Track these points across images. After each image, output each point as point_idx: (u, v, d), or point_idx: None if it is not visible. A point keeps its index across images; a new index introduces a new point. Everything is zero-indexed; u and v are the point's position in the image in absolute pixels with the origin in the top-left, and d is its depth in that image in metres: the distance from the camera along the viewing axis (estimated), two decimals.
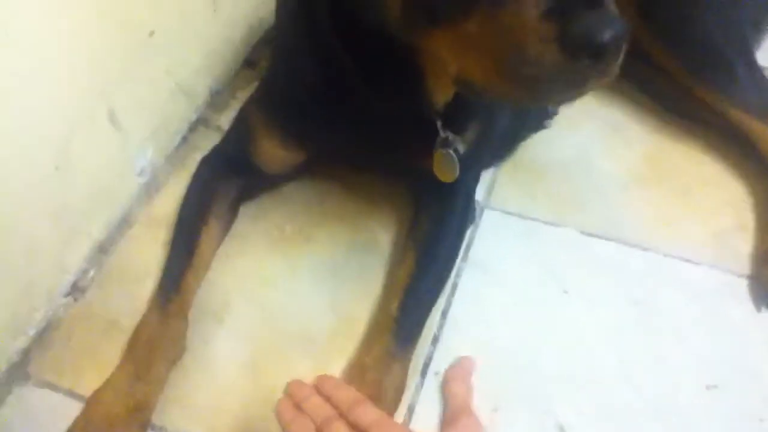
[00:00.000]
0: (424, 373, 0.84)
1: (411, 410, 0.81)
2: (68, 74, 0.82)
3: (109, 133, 0.92)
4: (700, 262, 0.96)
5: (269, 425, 0.70)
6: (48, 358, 0.85)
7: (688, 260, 0.96)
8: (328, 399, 0.65)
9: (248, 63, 1.21)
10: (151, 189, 1.02)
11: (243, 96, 1.11)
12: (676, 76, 1.06)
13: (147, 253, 0.93)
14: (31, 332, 0.85)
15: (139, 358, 0.79)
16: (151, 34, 0.95)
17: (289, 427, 0.63)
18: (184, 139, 1.09)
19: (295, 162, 0.94)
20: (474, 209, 0.97)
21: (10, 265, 0.80)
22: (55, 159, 0.83)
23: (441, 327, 0.88)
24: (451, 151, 0.81)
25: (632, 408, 0.82)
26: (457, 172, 0.82)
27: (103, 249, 0.95)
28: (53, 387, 0.82)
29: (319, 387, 0.66)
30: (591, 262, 0.96)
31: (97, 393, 0.78)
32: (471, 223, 0.97)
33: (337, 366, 0.84)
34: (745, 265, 0.95)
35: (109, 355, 0.82)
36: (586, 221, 1.00)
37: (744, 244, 0.98)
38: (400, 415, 0.80)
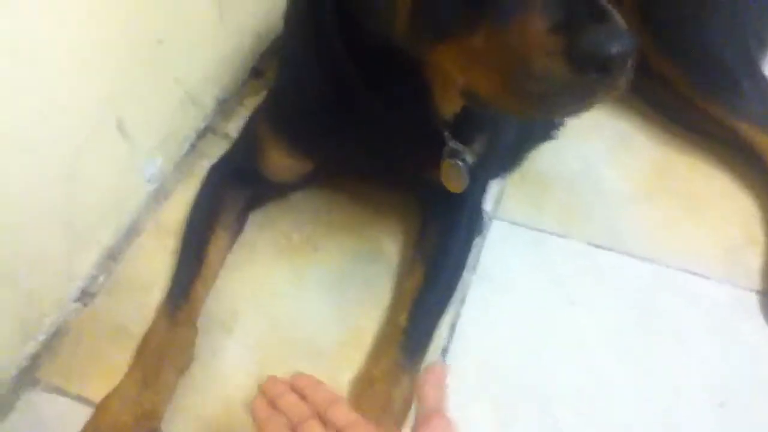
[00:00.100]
0: None
1: None
2: (77, 83, 0.82)
3: (118, 141, 0.93)
4: (709, 276, 0.96)
5: None
6: (57, 364, 0.85)
7: (696, 274, 0.96)
8: (303, 398, 0.65)
9: (256, 72, 1.22)
10: (159, 196, 1.03)
11: (250, 104, 1.12)
12: (681, 89, 1.06)
13: (155, 260, 0.94)
14: (41, 338, 0.86)
15: (148, 366, 0.79)
16: (160, 42, 0.96)
17: (264, 425, 0.63)
18: (193, 146, 1.10)
19: (302, 171, 0.95)
20: (481, 220, 0.97)
21: (20, 271, 0.80)
22: (65, 167, 0.83)
23: (450, 338, 0.88)
24: (459, 162, 0.81)
25: (639, 423, 0.82)
26: (466, 183, 0.82)
27: (111, 256, 0.95)
28: (62, 392, 0.83)
29: (294, 385, 0.66)
30: (598, 274, 0.96)
31: (106, 400, 0.78)
32: (478, 234, 0.97)
33: (344, 376, 0.84)
34: (754, 280, 0.95)
35: (118, 361, 0.83)
36: (593, 233, 1.00)
37: (754, 258, 0.98)
38: (407, 427, 0.80)
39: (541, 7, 0.55)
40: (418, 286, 0.87)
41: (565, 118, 1.07)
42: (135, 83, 0.93)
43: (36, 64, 0.75)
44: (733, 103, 1.03)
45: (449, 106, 0.76)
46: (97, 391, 0.79)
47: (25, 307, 0.82)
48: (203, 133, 1.12)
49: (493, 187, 1.04)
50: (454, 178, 0.82)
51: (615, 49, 0.54)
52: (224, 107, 1.16)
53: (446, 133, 0.79)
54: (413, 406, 0.77)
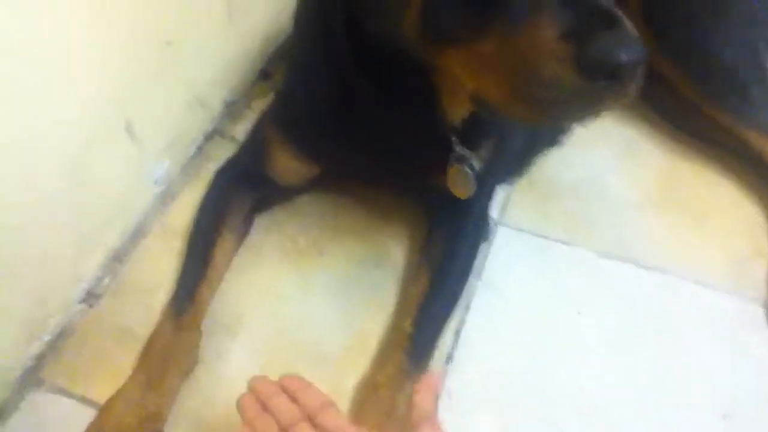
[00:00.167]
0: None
1: None
2: (85, 84, 0.82)
3: (126, 143, 0.93)
4: (715, 287, 0.95)
5: None
6: (61, 365, 0.85)
7: (702, 284, 0.95)
8: (293, 400, 0.64)
9: (263, 74, 1.22)
10: (166, 198, 1.03)
11: (258, 107, 1.12)
12: (688, 96, 1.06)
13: (161, 262, 0.94)
14: (46, 338, 0.86)
15: (152, 368, 0.79)
16: (169, 44, 0.96)
17: (252, 423, 0.63)
18: (200, 149, 1.10)
19: (309, 175, 0.95)
20: (488, 226, 0.97)
21: (25, 272, 0.80)
22: (72, 168, 0.83)
23: (454, 345, 0.88)
24: (466, 168, 0.81)
25: None
26: (473, 189, 0.82)
27: (117, 257, 0.95)
28: (66, 393, 0.83)
29: (285, 386, 0.66)
30: (603, 283, 0.96)
31: (109, 402, 0.78)
32: (485, 240, 0.97)
33: (349, 381, 0.84)
34: (761, 291, 0.95)
35: (122, 362, 0.83)
36: (599, 241, 1.00)
37: (761, 270, 0.97)
38: None
39: (551, 13, 0.55)
40: (424, 291, 0.86)
41: (574, 125, 1.06)
42: (143, 85, 0.93)
43: (43, 64, 0.75)
44: (741, 110, 1.03)
45: (457, 111, 0.76)
46: (101, 392, 0.79)
47: (31, 307, 0.83)
48: (211, 136, 1.12)
49: (500, 193, 1.04)
50: (460, 183, 0.82)
51: (625, 56, 0.54)
52: (232, 110, 1.16)
53: (453, 139, 0.79)
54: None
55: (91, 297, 0.91)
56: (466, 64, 0.62)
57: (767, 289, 0.95)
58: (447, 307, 0.88)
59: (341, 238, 0.99)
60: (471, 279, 0.92)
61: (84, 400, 0.82)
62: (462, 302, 0.91)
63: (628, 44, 0.54)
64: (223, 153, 1.04)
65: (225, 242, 0.91)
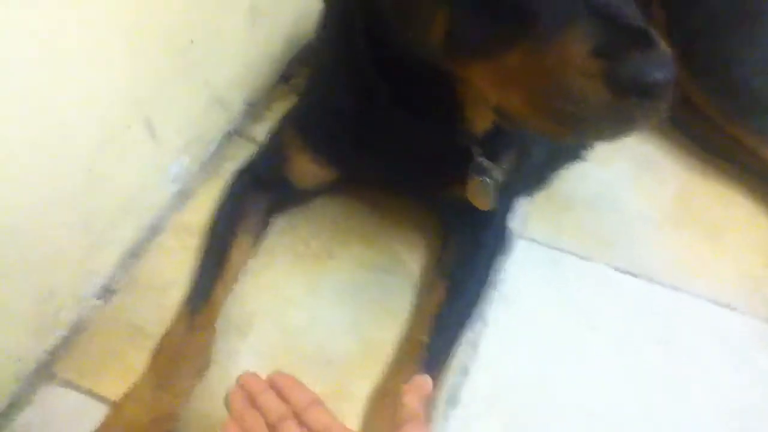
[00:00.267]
0: (452, 403, 0.84)
1: None
2: (107, 82, 0.83)
3: (146, 140, 0.93)
4: (731, 306, 0.95)
5: None
6: (73, 360, 0.85)
7: (717, 303, 0.95)
8: (282, 397, 0.64)
9: (284, 77, 1.22)
10: (183, 196, 1.03)
11: (278, 109, 1.13)
12: (712, 115, 1.05)
13: (176, 260, 0.94)
14: (59, 333, 0.86)
15: (165, 367, 0.79)
16: (192, 43, 0.96)
17: (240, 419, 0.63)
18: (219, 148, 1.10)
19: (326, 179, 0.95)
20: (507, 239, 0.96)
21: (40, 266, 0.80)
22: (90, 165, 0.83)
23: (471, 358, 0.88)
24: (488, 179, 0.80)
25: None
26: (494, 200, 0.81)
27: (132, 254, 0.95)
28: (77, 388, 0.83)
29: (273, 383, 0.66)
30: (620, 300, 0.95)
31: (121, 401, 0.77)
32: (503, 253, 0.96)
33: (355, 387, 0.84)
34: None
35: (134, 359, 0.82)
36: (615, 256, 1.00)
37: None
38: None
39: (582, 29, 0.54)
40: (440, 301, 0.86)
41: (601, 143, 1.05)
42: (165, 83, 0.94)
43: (65, 61, 0.75)
44: (764, 131, 1.02)
45: (480, 122, 0.76)
46: (112, 388, 0.80)
47: (45, 301, 0.82)
48: (230, 136, 1.12)
49: (520, 206, 1.03)
50: (481, 195, 0.82)
51: (658, 75, 0.53)
52: (252, 111, 1.16)
53: (475, 150, 0.79)
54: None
55: (105, 293, 0.91)
56: (492, 77, 0.61)
57: None
58: (463, 318, 0.87)
59: (354, 244, 0.99)
60: (488, 291, 0.92)
61: (95, 396, 0.82)
62: (479, 315, 0.90)
63: (661, 62, 0.54)
64: (241, 153, 1.05)
65: (241, 243, 0.91)
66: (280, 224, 1.00)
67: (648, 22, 0.57)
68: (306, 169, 0.92)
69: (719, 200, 1.08)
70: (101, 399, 0.81)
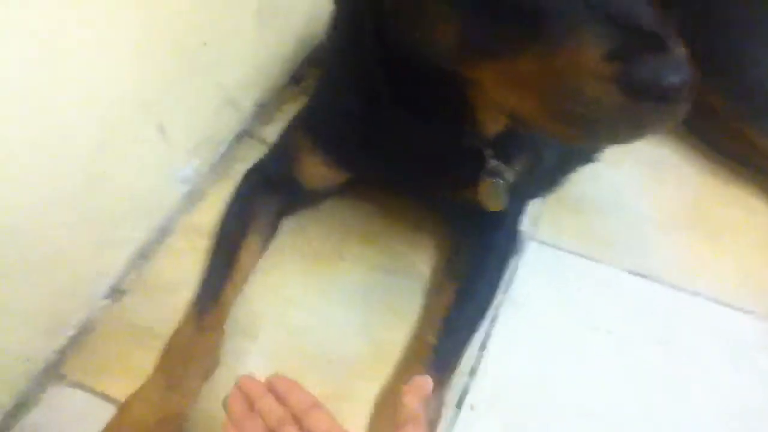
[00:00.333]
0: (459, 405, 0.83)
1: None
2: (115, 83, 0.82)
3: (157, 141, 0.93)
4: (737, 309, 0.94)
5: None
6: (82, 360, 0.85)
7: (724, 305, 0.95)
8: (281, 400, 0.64)
9: (294, 78, 1.22)
10: (193, 197, 1.03)
11: (289, 110, 1.12)
12: (729, 119, 1.04)
13: (186, 261, 0.93)
14: (68, 333, 0.86)
15: (173, 368, 0.79)
16: (204, 44, 0.96)
17: (239, 423, 0.62)
18: (229, 149, 1.10)
19: (336, 182, 0.95)
20: (518, 241, 0.96)
21: (51, 266, 0.80)
22: (101, 165, 0.83)
23: (479, 359, 0.87)
24: (500, 181, 0.80)
25: None
26: (505, 202, 0.81)
27: (142, 255, 0.95)
28: (86, 388, 0.82)
29: (272, 386, 0.65)
30: (627, 301, 0.95)
31: (129, 401, 0.77)
32: (514, 255, 0.96)
33: (363, 391, 0.83)
34: None
35: (142, 360, 0.82)
36: (625, 259, 0.99)
37: None
38: None
39: (596, 31, 0.53)
40: (450, 303, 0.85)
41: (612, 147, 1.04)
42: (176, 84, 0.93)
43: (79, 63, 0.75)
44: None
45: (492, 125, 0.75)
46: (121, 389, 0.79)
47: (55, 301, 0.83)
48: (240, 137, 1.12)
49: (531, 209, 1.02)
50: (493, 197, 0.81)
51: (674, 78, 0.52)
52: (263, 112, 1.16)
53: (487, 152, 0.78)
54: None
55: (114, 293, 0.91)
56: (503, 80, 0.60)
57: None
58: (473, 320, 0.86)
59: (364, 245, 0.98)
60: (498, 293, 0.91)
61: (103, 397, 0.81)
62: (488, 316, 0.89)
63: (676, 66, 0.52)
64: (252, 154, 1.04)
65: (251, 244, 0.91)
66: (290, 226, 1.00)
67: (665, 24, 0.55)
68: (316, 171, 0.92)
69: (732, 204, 1.07)
70: (109, 399, 0.81)
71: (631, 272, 0.98)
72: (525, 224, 1.00)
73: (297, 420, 0.62)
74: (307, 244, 0.98)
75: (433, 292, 0.91)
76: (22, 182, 0.73)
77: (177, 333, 0.82)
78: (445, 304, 0.85)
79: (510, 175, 0.80)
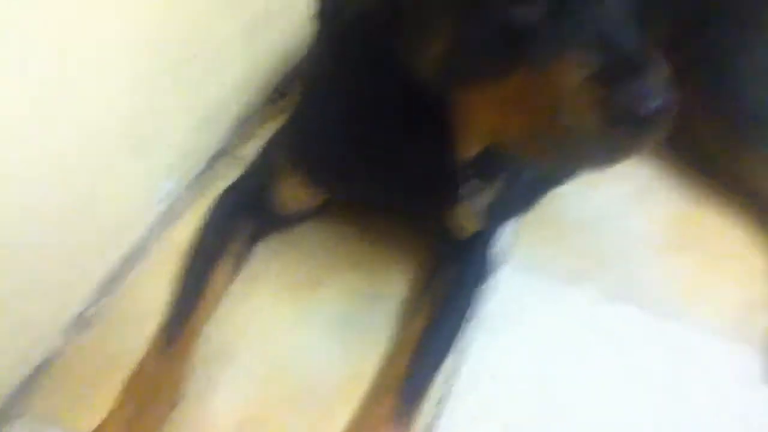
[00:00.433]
0: None
1: None
2: (95, 100, 0.81)
3: (132, 160, 0.91)
4: (723, 335, 0.92)
5: None
6: (47, 393, 0.82)
7: (709, 331, 0.92)
8: None
9: (277, 95, 1.20)
10: (169, 218, 1.01)
11: (269, 127, 1.10)
12: (711, 139, 1.03)
13: (158, 286, 0.90)
14: (32, 364, 0.83)
15: (137, 400, 0.76)
16: (185, 62, 0.95)
17: None
18: (208, 168, 1.08)
19: (315, 204, 0.94)
20: (492, 263, 0.94)
21: (14, 296, 0.77)
22: (72, 185, 0.81)
23: (448, 388, 0.85)
24: (476, 203, 0.79)
25: None
26: (480, 225, 0.81)
27: (113, 280, 0.93)
28: (50, 423, 0.80)
29: None
30: (607, 327, 0.93)
31: None
32: (489, 278, 0.94)
33: (341, 421, 0.81)
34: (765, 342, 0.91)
35: (110, 392, 0.79)
36: (606, 283, 0.97)
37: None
38: None
39: (578, 55, 0.54)
40: (422, 330, 0.83)
41: (594, 171, 1.02)
42: (154, 102, 0.92)
43: (48, 76, 0.73)
44: (764, 158, 0.99)
45: (470, 146, 0.74)
46: (87, 424, 0.76)
47: (17, 333, 0.80)
48: (220, 155, 1.10)
49: (507, 229, 1.01)
50: (469, 219, 0.81)
51: (653, 105, 0.52)
52: (243, 129, 1.14)
53: (465, 173, 0.77)
54: None
55: (81, 322, 0.89)
56: (487, 102, 0.61)
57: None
58: (444, 347, 0.85)
59: (341, 270, 0.96)
60: (470, 318, 0.89)
61: (68, 430, 0.79)
62: (460, 341, 0.87)
63: (657, 91, 0.53)
64: (231, 172, 1.02)
65: (223, 269, 0.89)
66: (265, 249, 0.98)
67: (648, 47, 0.56)
68: (294, 193, 0.91)
69: (718, 226, 1.05)
70: None
71: (610, 297, 0.96)
72: (500, 247, 0.98)
73: None
74: (285, 269, 0.96)
75: (407, 317, 0.90)
76: None
77: (140, 364, 0.80)
78: (417, 331, 0.83)
79: (487, 197, 0.79)
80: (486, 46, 0.58)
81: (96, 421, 0.76)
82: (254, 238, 0.96)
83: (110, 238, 0.92)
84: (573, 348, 0.90)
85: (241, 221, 0.93)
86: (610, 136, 0.54)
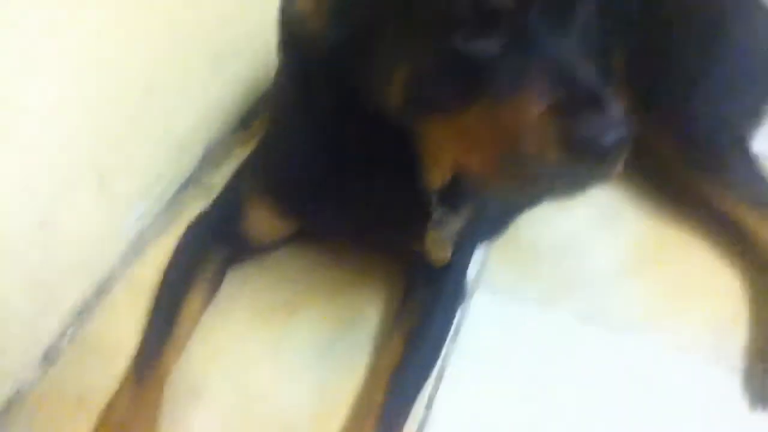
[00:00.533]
0: None
1: None
2: (57, 129, 0.80)
3: (97, 191, 0.90)
4: (695, 354, 0.94)
5: None
6: None
7: (682, 351, 0.94)
8: None
9: (244, 123, 1.20)
10: (136, 250, 0.99)
11: (237, 154, 1.10)
12: (672, 163, 1.06)
13: (126, 321, 0.89)
14: None
15: None
16: (149, 91, 0.94)
17: None
18: (175, 197, 1.07)
19: (285, 232, 0.93)
20: (465, 289, 0.94)
21: None
22: (39, 221, 0.80)
23: (426, 415, 0.85)
24: (445, 231, 0.80)
25: None
26: (450, 253, 0.81)
27: (80, 315, 0.91)
28: None
29: None
30: (581, 350, 0.93)
31: None
32: (461, 304, 0.94)
33: None
34: (739, 361, 0.93)
35: (81, 430, 0.78)
36: (578, 306, 0.98)
37: (739, 338, 0.95)
38: None
39: (538, 89, 0.55)
40: (397, 359, 0.83)
41: (555, 201, 1.04)
42: (119, 131, 0.91)
43: (13, 104, 0.73)
44: (720, 179, 1.02)
45: (437, 175, 0.75)
46: None
47: None
48: (187, 184, 1.09)
49: (477, 256, 1.01)
50: (438, 247, 0.81)
51: (611, 138, 0.53)
52: (211, 158, 1.13)
53: (433, 202, 0.78)
54: None
55: (49, 358, 0.87)
56: (450, 134, 0.61)
57: (744, 358, 0.93)
58: (421, 376, 0.85)
59: (315, 299, 0.96)
60: (445, 345, 0.89)
61: None
62: (436, 369, 0.87)
63: (614, 125, 0.54)
64: (199, 203, 1.01)
65: (193, 301, 0.88)
66: (237, 279, 0.97)
67: (604, 77, 0.57)
68: (264, 223, 0.90)
69: (684, 248, 1.07)
70: None
71: (583, 318, 0.97)
72: (473, 272, 0.99)
73: None
74: (257, 299, 0.96)
75: (382, 346, 0.89)
76: None
77: (113, 400, 0.78)
78: (393, 362, 0.83)
79: (455, 224, 0.80)
80: (445, 78, 0.58)
81: None
82: (226, 266, 0.95)
83: (77, 270, 0.90)
84: (546, 370, 0.91)
85: (212, 250, 0.92)
86: (572, 168, 0.55)
